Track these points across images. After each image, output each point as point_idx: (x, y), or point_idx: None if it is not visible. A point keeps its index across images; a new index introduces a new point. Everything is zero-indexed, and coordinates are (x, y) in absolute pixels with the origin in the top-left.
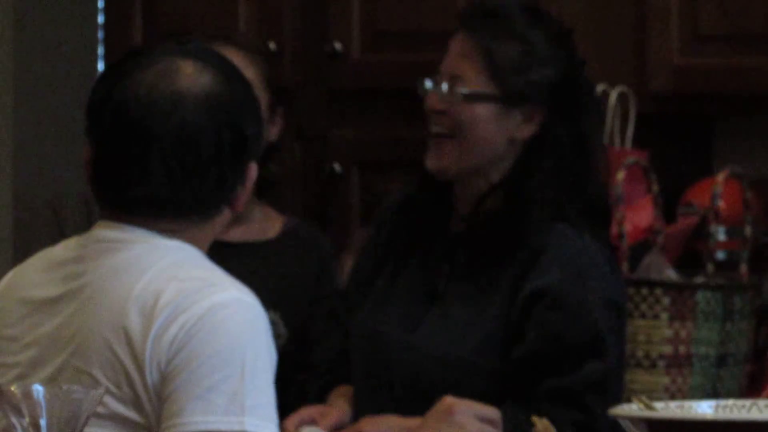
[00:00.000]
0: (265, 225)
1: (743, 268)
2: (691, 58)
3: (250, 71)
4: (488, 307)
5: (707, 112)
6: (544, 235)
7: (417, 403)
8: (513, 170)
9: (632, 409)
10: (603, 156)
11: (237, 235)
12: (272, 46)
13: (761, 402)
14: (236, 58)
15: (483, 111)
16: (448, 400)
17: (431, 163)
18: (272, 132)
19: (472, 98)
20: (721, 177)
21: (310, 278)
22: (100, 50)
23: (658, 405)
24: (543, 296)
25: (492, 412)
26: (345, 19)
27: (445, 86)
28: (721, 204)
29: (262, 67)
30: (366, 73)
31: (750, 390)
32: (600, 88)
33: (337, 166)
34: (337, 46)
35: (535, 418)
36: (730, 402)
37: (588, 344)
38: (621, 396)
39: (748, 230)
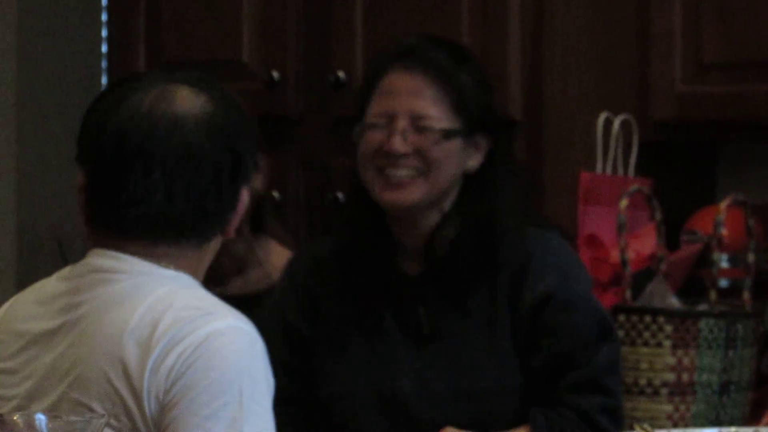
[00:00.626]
0: (267, 268)
1: (746, 295)
2: (694, 85)
3: None
4: (494, 332)
5: (710, 139)
6: (521, 242)
7: None
8: (461, 198)
9: None
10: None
11: (236, 287)
12: (276, 74)
13: (763, 429)
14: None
15: (452, 147)
16: (448, 430)
17: (396, 199)
18: (257, 181)
19: (449, 135)
20: (724, 204)
21: None
22: (104, 79)
23: None
24: (548, 301)
25: None
26: (348, 48)
27: (406, 129)
28: (724, 231)
29: None
30: None
31: (753, 417)
32: (603, 116)
33: (340, 195)
34: (341, 74)
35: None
36: (733, 429)
37: (599, 332)
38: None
39: (751, 257)
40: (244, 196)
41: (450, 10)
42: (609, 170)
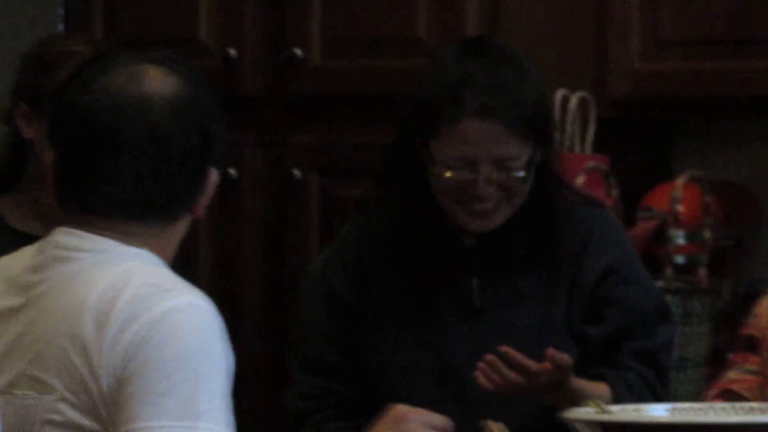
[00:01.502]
0: None
1: (702, 272)
2: (651, 63)
3: None
4: (544, 306)
5: (667, 116)
6: (575, 222)
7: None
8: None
9: (587, 412)
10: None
11: None
12: (233, 53)
13: (718, 405)
14: None
15: (532, 170)
16: (400, 408)
17: (482, 227)
18: None
19: (529, 168)
20: (680, 181)
21: None
22: None
23: (614, 408)
24: (610, 275)
25: (442, 420)
26: (305, 26)
27: (491, 172)
28: (680, 208)
29: None
30: (326, 79)
31: (704, 391)
32: (560, 93)
33: (296, 172)
34: (297, 52)
35: (490, 423)
36: (687, 405)
37: (658, 310)
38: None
39: (707, 234)
40: (213, 176)
41: None
42: (566, 147)
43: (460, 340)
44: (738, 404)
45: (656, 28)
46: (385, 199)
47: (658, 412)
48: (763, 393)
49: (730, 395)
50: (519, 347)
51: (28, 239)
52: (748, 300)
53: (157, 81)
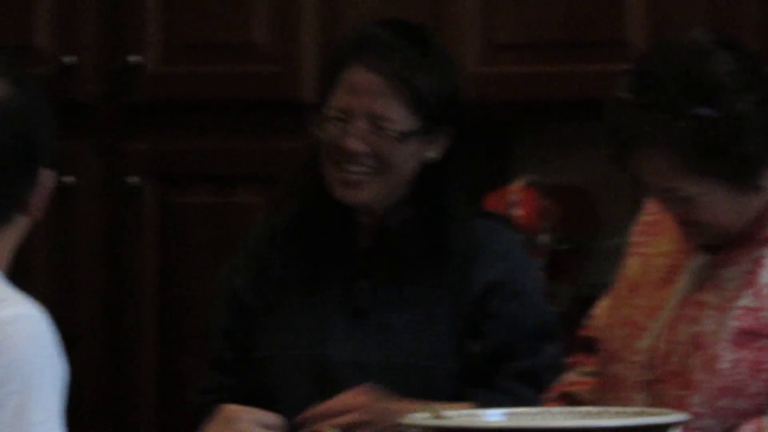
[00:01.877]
0: None
1: (541, 277)
2: (487, 66)
3: None
4: (431, 311)
5: (504, 120)
6: (470, 233)
7: None
8: (421, 183)
9: (422, 417)
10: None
11: None
12: (69, 59)
13: (554, 409)
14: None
15: (410, 147)
16: (230, 407)
17: (349, 198)
18: None
19: (405, 137)
20: (516, 185)
21: None
22: None
23: (449, 414)
24: (495, 290)
25: (273, 418)
26: (142, 33)
27: (363, 128)
28: (518, 212)
29: None
30: (164, 85)
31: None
32: None
33: (134, 179)
34: (135, 59)
35: (327, 428)
36: (523, 410)
37: (543, 329)
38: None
39: (544, 239)
40: (46, 178)
41: None
42: None
43: (339, 340)
44: (574, 408)
45: (493, 31)
46: (289, 199)
47: (493, 417)
48: (600, 395)
49: (569, 398)
50: (396, 350)
51: None
52: (587, 305)
53: None
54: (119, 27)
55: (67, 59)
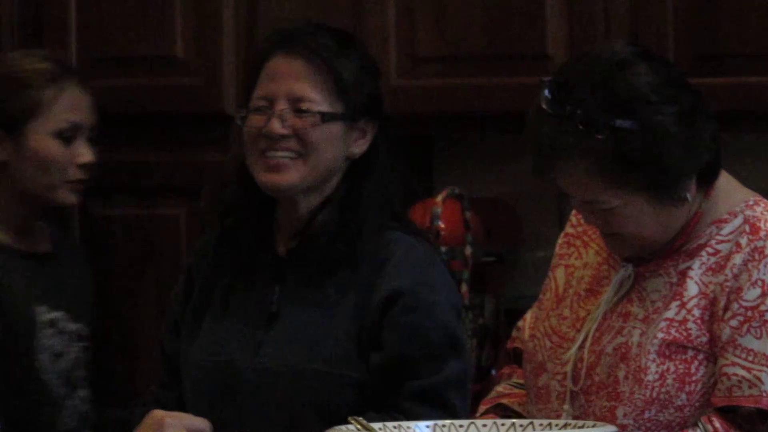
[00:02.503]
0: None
1: (464, 288)
2: (408, 79)
3: (86, 98)
4: (335, 319)
5: (426, 132)
6: (382, 243)
7: (267, 425)
8: (344, 184)
9: (348, 429)
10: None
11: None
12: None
13: (479, 422)
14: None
15: (332, 131)
16: (158, 413)
17: (273, 183)
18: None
19: (327, 118)
20: (440, 198)
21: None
22: None
23: (376, 425)
24: (397, 299)
25: (202, 423)
26: (60, 46)
27: (285, 111)
28: (441, 225)
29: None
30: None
31: (475, 409)
32: None
33: None
34: None
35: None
36: (448, 422)
37: (446, 344)
38: (469, 397)
39: (468, 250)
40: None
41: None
42: None
43: (248, 345)
44: (501, 421)
45: (414, 44)
46: (219, 213)
47: (420, 429)
48: (528, 407)
49: (501, 409)
50: (299, 357)
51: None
52: (510, 316)
53: None
54: (39, 40)
55: None
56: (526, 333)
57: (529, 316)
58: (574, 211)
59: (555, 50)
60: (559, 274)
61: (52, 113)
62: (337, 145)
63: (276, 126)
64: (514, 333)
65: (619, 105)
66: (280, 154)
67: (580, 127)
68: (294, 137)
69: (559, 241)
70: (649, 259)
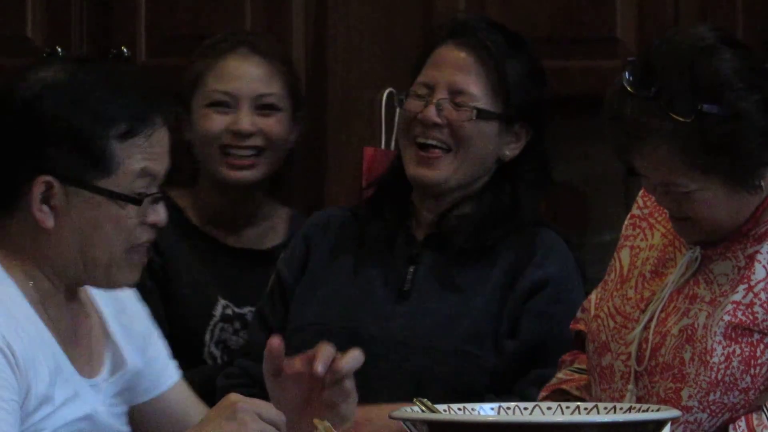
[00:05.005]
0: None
1: None
2: None
3: (275, 80)
4: (471, 301)
5: None
6: (532, 236)
7: (388, 395)
8: (492, 182)
9: (413, 411)
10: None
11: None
12: (60, 51)
13: (544, 404)
14: (261, 67)
15: (487, 129)
16: (233, 397)
17: (423, 174)
18: (292, 137)
19: (483, 115)
20: None
21: None
22: None
23: (441, 407)
24: (543, 287)
25: (276, 413)
26: (131, 25)
27: (444, 101)
28: None
29: (286, 75)
30: (153, 77)
31: None
32: (386, 91)
33: None
34: (124, 51)
35: (316, 421)
36: (513, 404)
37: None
38: None
39: None
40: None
41: None
42: (392, 146)
43: (376, 318)
44: (564, 404)
45: None
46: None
47: (484, 411)
48: (591, 388)
49: (561, 394)
50: (434, 333)
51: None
52: None
53: None
54: (107, 19)
55: (59, 50)
56: (591, 312)
57: (593, 296)
58: (641, 193)
59: (624, 34)
60: (624, 255)
61: (207, 84)
62: (490, 144)
63: (431, 113)
64: (578, 314)
65: (705, 90)
66: (430, 141)
67: (666, 110)
68: (447, 128)
69: (626, 222)
70: (717, 243)
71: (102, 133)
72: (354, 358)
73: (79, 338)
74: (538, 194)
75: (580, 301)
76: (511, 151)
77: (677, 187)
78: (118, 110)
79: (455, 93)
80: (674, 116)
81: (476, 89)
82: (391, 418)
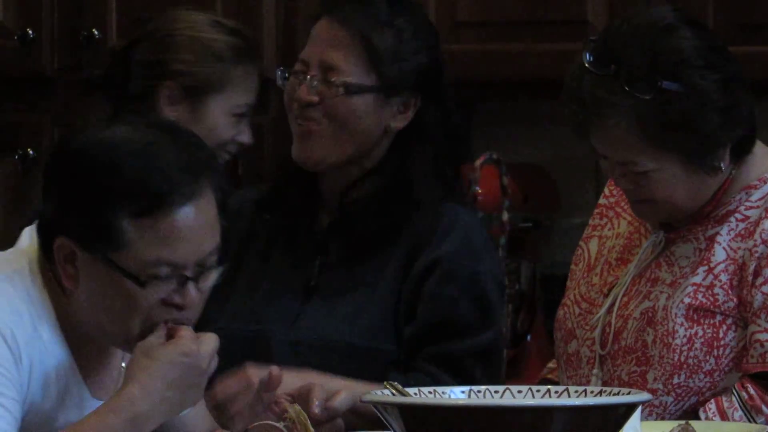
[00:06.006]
0: None
1: (501, 253)
2: (447, 44)
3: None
4: (375, 292)
5: (465, 98)
6: (434, 214)
7: None
8: (388, 157)
9: (384, 394)
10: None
11: None
12: (30, 32)
13: (514, 388)
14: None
15: (361, 102)
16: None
17: (302, 154)
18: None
19: (352, 90)
20: (478, 163)
21: None
22: None
23: (411, 390)
24: (435, 268)
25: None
26: (101, 5)
27: (315, 78)
28: (478, 190)
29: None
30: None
31: (510, 375)
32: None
33: None
34: (95, 32)
35: (286, 405)
36: (484, 388)
37: (479, 315)
38: (501, 367)
39: (505, 216)
40: None
41: None
42: None
43: (283, 316)
44: (535, 387)
45: (454, 10)
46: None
47: (455, 394)
48: (559, 374)
49: (547, 383)
50: (336, 329)
51: None
52: (546, 282)
53: None
54: (80, 1)
55: (29, 31)
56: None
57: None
58: (609, 182)
59: (595, 17)
60: (593, 245)
61: (236, 92)
62: (371, 117)
63: (304, 93)
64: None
65: (665, 67)
66: (303, 121)
67: (626, 86)
68: (320, 105)
69: (594, 212)
70: (679, 226)
71: (114, 206)
72: (343, 399)
73: (101, 366)
74: (440, 168)
75: (485, 275)
76: (398, 122)
77: (635, 166)
78: (139, 184)
79: (326, 69)
80: (634, 93)
81: (347, 64)
82: (362, 401)
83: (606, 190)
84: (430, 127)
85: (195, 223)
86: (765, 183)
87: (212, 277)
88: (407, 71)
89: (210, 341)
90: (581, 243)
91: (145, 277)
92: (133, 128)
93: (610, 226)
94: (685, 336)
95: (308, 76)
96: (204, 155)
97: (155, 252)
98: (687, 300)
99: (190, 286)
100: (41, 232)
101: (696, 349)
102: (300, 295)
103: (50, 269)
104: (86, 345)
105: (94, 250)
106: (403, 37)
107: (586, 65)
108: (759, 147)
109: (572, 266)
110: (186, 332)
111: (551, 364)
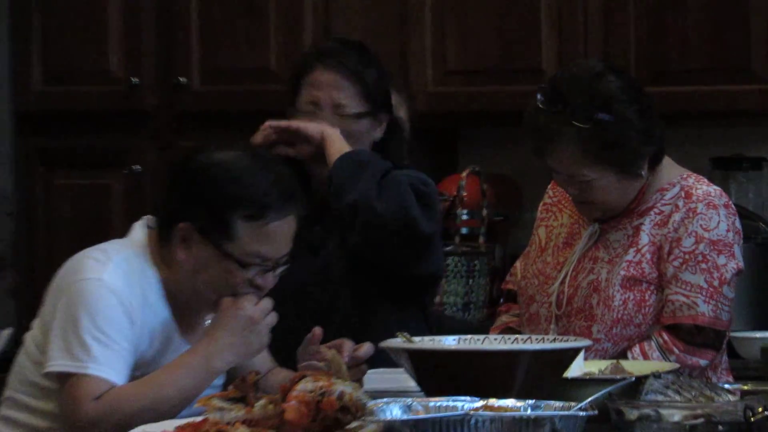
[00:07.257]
0: None
1: (481, 239)
2: (441, 86)
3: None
4: (328, 257)
5: (454, 126)
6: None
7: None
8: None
9: (396, 341)
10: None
11: None
12: (135, 79)
13: (492, 336)
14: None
15: (364, 125)
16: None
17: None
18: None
19: (359, 117)
20: (464, 173)
21: None
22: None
23: (416, 339)
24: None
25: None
26: (187, 59)
27: (328, 115)
28: (464, 193)
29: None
30: (204, 101)
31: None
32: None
33: None
34: (182, 80)
35: (324, 349)
36: (469, 337)
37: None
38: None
39: (484, 212)
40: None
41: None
42: None
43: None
44: (507, 336)
45: (444, 60)
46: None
47: (448, 342)
48: (522, 329)
49: (509, 331)
50: (299, 295)
51: None
52: (514, 260)
53: None
54: (170, 54)
55: (133, 79)
56: (518, 275)
57: (518, 264)
58: (550, 185)
59: (547, 66)
60: (542, 232)
61: None
62: (367, 135)
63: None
64: (508, 277)
65: (599, 103)
66: None
67: (570, 119)
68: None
69: (540, 207)
70: (610, 219)
71: (232, 209)
72: (366, 349)
73: (194, 323)
74: (400, 161)
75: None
76: (378, 133)
77: (581, 177)
78: (254, 197)
79: (337, 106)
80: (576, 123)
81: (351, 100)
82: (379, 347)
83: (549, 192)
84: (400, 134)
85: (284, 232)
86: (674, 186)
87: (281, 270)
88: (384, 96)
89: (265, 302)
90: (534, 231)
91: (244, 263)
92: (244, 153)
93: (554, 218)
94: (621, 299)
95: (323, 114)
96: (295, 184)
97: (255, 247)
98: (622, 273)
99: (270, 274)
100: (162, 218)
101: (629, 308)
102: (306, 254)
103: (159, 250)
104: (184, 307)
105: (209, 237)
106: (376, 71)
107: (539, 105)
108: (666, 159)
109: (527, 248)
110: (248, 297)
111: (504, 318)
